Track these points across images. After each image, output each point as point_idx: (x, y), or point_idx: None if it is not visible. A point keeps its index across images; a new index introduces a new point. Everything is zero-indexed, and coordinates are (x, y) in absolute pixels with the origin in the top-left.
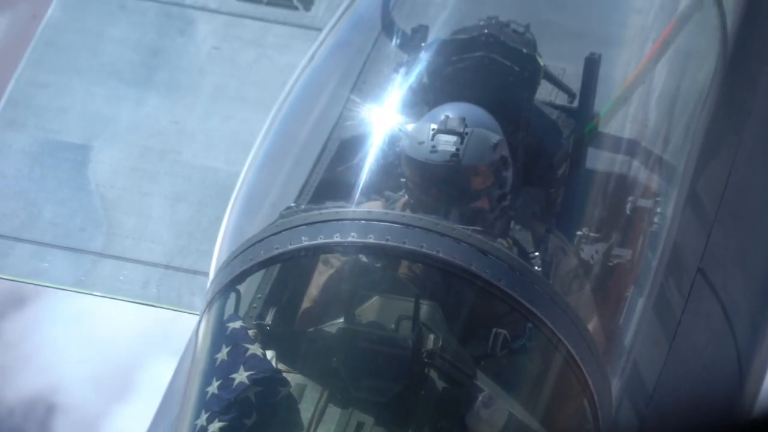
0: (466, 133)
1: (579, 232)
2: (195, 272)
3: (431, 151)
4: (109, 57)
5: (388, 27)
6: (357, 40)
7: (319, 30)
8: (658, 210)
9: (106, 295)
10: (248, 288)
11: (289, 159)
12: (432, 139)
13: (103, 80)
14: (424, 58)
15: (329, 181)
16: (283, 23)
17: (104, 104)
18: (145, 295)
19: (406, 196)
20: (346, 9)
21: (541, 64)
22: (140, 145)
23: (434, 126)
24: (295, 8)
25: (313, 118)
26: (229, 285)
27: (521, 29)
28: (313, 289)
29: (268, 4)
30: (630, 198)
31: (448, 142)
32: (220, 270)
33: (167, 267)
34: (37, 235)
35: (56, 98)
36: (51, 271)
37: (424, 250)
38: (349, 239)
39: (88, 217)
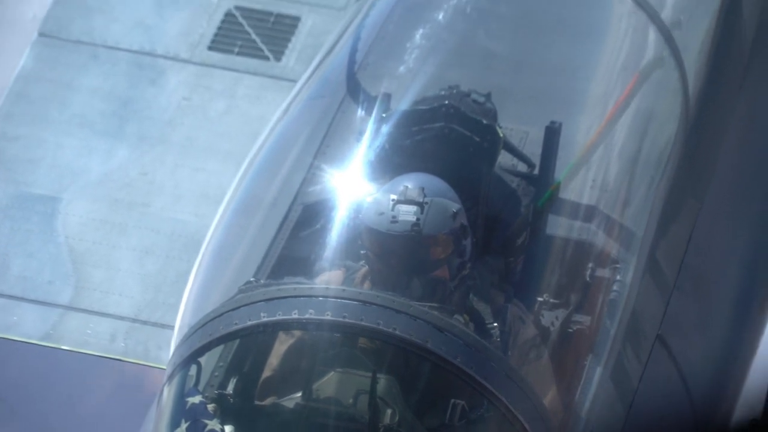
0: (426, 203)
1: (539, 298)
2: (162, 326)
3: (392, 222)
4: (81, 108)
5: (353, 90)
6: (323, 102)
7: (290, 81)
8: (618, 277)
9: (73, 349)
10: (210, 355)
11: (255, 220)
12: (392, 210)
13: (74, 131)
14: (386, 127)
15: (292, 247)
16: (254, 74)
17: (75, 156)
18: (112, 349)
19: (367, 267)
20: (318, 65)
21: (501, 135)
22: (110, 198)
23: (394, 196)
24: (266, 58)
25: (279, 180)
26: (189, 359)
27: (482, 99)
28: (274, 359)
29: (239, 54)
30: (590, 264)
31: (408, 213)
32: (181, 344)
33: (134, 320)
34: (5, 289)
35: (27, 150)
36: (19, 325)
37: (380, 327)
38: (307, 316)
39: (56, 270)
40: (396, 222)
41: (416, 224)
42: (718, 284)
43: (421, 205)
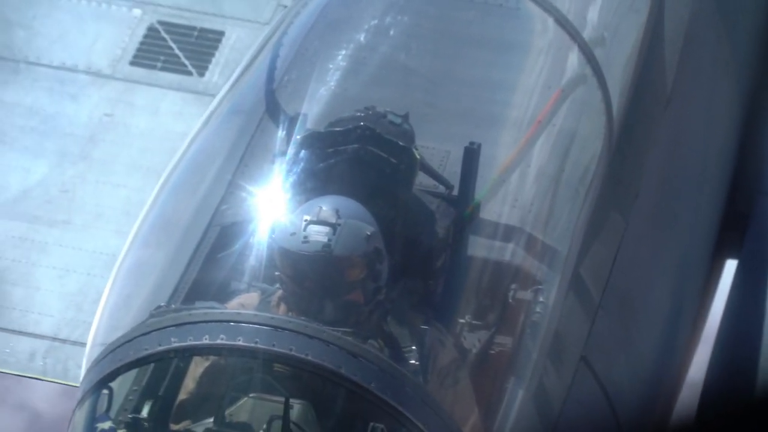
0: (339, 225)
1: (461, 320)
2: (82, 344)
3: (303, 242)
4: (0, 124)
5: (271, 108)
6: (241, 119)
7: (213, 96)
8: (541, 298)
9: None
10: (125, 378)
11: (170, 239)
12: (304, 230)
13: None
14: (301, 149)
15: (208, 268)
16: (177, 89)
17: None
18: (31, 368)
19: (282, 290)
20: (238, 79)
21: (417, 156)
22: (30, 215)
23: (307, 217)
24: (189, 74)
25: (196, 199)
26: (99, 384)
27: (398, 120)
28: (189, 383)
29: (162, 69)
30: (512, 285)
31: (320, 233)
32: (91, 368)
33: (54, 339)
34: None
35: None
36: None
37: (293, 353)
38: (219, 341)
39: None
40: (307, 242)
41: (327, 245)
42: (644, 303)
43: (333, 226)
